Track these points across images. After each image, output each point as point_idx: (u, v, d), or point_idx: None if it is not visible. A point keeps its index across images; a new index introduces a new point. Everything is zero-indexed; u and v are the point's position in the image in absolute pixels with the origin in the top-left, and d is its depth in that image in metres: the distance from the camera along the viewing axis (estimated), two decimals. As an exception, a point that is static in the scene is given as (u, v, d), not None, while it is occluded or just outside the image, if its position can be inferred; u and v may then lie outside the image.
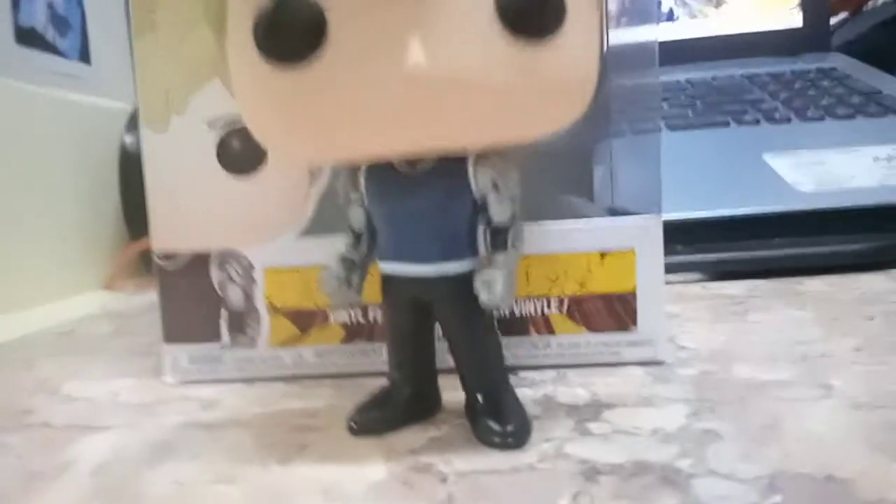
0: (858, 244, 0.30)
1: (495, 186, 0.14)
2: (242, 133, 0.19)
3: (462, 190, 0.15)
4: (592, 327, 0.19)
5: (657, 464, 0.13)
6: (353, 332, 0.20)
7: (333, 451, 0.15)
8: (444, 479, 0.13)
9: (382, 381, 0.18)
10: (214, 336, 0.20)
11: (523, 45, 0.12)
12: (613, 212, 0.25)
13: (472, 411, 0.15)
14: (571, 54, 0.13)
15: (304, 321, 0.20)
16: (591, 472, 0.13)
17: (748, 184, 0.35)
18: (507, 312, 0.19)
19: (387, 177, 0.15)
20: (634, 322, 0.19)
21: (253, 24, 0.12)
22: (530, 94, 0.13)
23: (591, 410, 0.16)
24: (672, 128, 0.41)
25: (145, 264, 0.44)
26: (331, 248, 0.19)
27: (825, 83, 0.46)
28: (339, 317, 0.20)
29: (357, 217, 0.16)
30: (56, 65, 0.44)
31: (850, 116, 0.40)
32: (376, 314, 0.19)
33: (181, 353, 0.20)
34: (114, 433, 0.17)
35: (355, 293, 0.16)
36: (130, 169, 0.48)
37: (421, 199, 0.15)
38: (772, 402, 0.16)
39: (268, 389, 0.19)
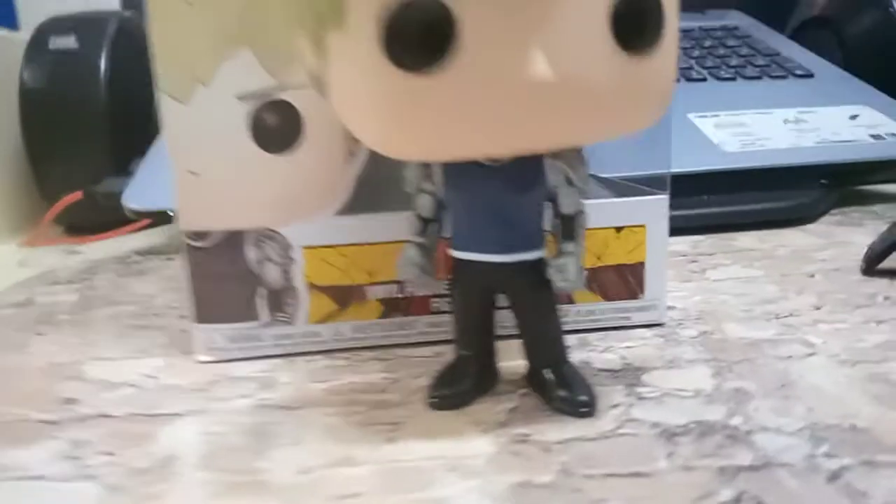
0: (780, 202, 0.34)
1: (568, 180, 0.16)
2: (277, 108, 0.19)
3: (538, 182, 0.16)
4: (607, 296, 0.21)
5: (717, 423, 0.16)
6: (391, 307, 0.21)
7: (429, 427, 0.16)
8: (548, 449, 0.15)
9: (419, 351, 0.20)
10: (251, 315, 0.20)
11: (629, 57, 0.13)
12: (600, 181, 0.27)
13: (538, 383, 0.17)
14: (664, 65, 0.14)
15: (343, 297, 0.21)
16: (669, 434, 0.15)
17: (680, 143, 0.38)
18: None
19: (467, 170, 0.16)
20: (642, 290, 0.21)
21: (384, 31, 0.12)
22: (629, 100, 0.14)
23: (630, 375, 0.18)
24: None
25: (59, 221, 0.41)
26: (368, 227, 0.20)
27: (731, 42, 0.50)
28: (377, 293, 0.21)
29: (427, 205, 0.17)
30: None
31: (758, 77, 0.45)
32: (413, 289, 0.21)
33: (216, 334, 0.20)
34: (191, 420, 0.17)
35: (432, 276, 0.17)
36: (32, 108, 0.44)
37: (499, 192, 0.16)
38: (773, 360, 0.19)
39: (311, 364, 0.20)
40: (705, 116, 0.40)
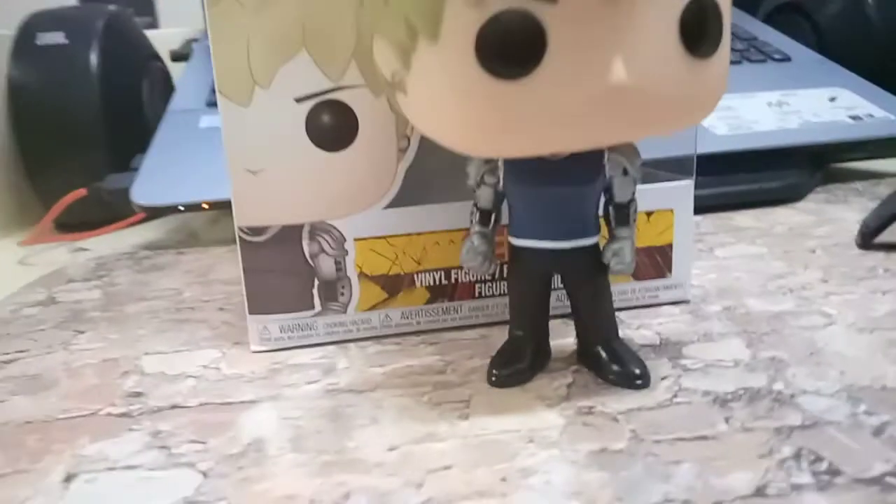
0: (772, 181, 0.36)
1: (624, 171, 0.17)
2: (333, 108, 0.20)
3: (597, 174, 0.17)
4: (638, 277, 0.23)
5: (762, 389, 0.17)
6: (437, 293, 0.22)
7: (497, 404, 0.17)
8: (615, 419, 0.16)
9: (465, 334, 0.21)
10: (305, 305, 0.21)
11: (694, 62, 0.15)
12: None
13: (592, 360, 0.18)
14: (720, 67, 0.15)
15: (392, 286, 0.21)
16: (721, 401, 0.17)
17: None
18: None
19: (530, 164, 0.17)
20: (670, 270, 0.23)
21: (479, 43, 0.13)
22: (692, 99, 0.15)
23: (671, 349, 0.20)
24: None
25: (57, 218, 0.41)
26: (416, 218, 0.21)
27: (709, 28, 0.51)
28: (425, 280, 0.22)
29: (487, 197, 0.18)
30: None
31: (738, 62, 0.46)
32: (458, 275, 0.22)
33: (271, 324, 0.21)
34: (267, 407, 0.18)
35: (493, 263, 0.18)
36: (23, 105, 0.43)
37: (561, 185, 0.17)
38: (797, 330, 0.20)
39: (364, 350, 0.21)
40: (694, 101, 0.42)
